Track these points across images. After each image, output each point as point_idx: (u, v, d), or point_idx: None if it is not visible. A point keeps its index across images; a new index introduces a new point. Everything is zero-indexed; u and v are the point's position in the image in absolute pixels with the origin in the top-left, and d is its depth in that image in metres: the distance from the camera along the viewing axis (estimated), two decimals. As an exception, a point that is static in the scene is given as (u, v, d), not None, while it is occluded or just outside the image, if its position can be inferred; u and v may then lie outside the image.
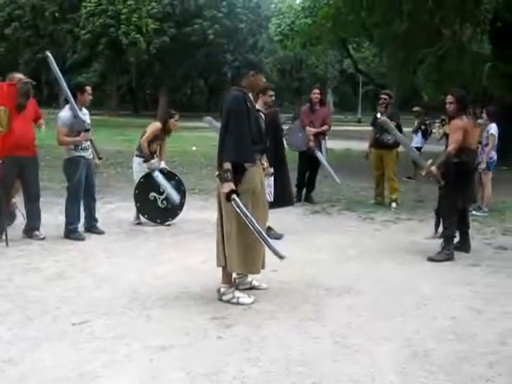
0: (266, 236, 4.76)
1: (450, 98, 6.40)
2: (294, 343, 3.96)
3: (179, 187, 7.95)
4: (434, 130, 13.08)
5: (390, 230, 7.95)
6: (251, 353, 3.80)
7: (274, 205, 6.60)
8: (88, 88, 7.03)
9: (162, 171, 7.74)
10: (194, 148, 11.97)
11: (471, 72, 16.98)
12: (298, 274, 5.64)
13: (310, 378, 3.47)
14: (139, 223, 7.79)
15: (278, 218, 7.06)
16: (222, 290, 4.85)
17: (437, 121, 12.97)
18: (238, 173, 4.66)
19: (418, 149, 14.32)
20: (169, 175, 7.90)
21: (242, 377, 3.46)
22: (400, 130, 9.77)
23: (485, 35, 18.70)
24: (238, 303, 4.74)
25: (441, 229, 6.85)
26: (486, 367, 3.67)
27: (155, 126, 7.78)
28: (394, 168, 9.91)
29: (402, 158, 10.26)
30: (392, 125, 8.02)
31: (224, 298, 4.82)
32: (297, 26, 31.11)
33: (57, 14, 46.93)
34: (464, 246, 6.73)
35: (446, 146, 6.65)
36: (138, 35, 42.04)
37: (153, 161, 7.68)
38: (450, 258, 6.31)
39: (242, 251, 4.70)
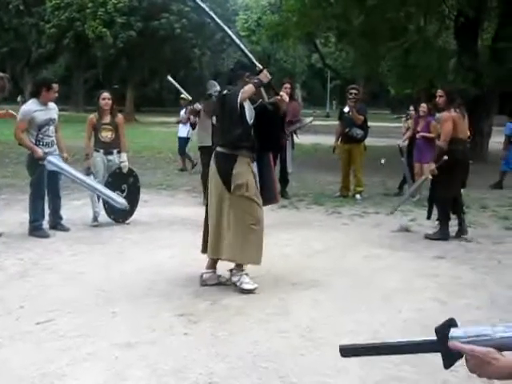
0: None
1: (440, 92, 6.99)
2: (261, 338, 3.97)
3: (135, 184, 7.74)
4: (401, 125, 13.22)
5: (357, 223, 8.01)
6: (218, 349, 3.80)
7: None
8: (55, 86, 6.84)
9: (119, 169, 7.47)
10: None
11: (437, 66, 17.19)
12: (266, 268, 5.63)
13: (276, 372, 3.48)
14: (96, 226, 7.35)
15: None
16: (234, 271, 5.05)
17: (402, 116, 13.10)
18: (231, 162, 4.91)
19: (186, 139, 13.38)
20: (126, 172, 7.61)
21: (208, 373, 3.45)
22: (366, 124, 9.87)
23: (450, 30, 18.95)
24: (240, 287, 4.94)
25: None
26: (450, 358, 3.72)
27: (88, 118, 7.63)
28: (362, 161, 10.05)
29: (369, 152, 10.35)
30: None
31: (233, 278, 5.05)
32: (263, 21, 31.07)
33: (21, 7, 46.01)
34: (462, 228, 7.13)
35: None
36: (104, 29, 41.50)
37: (87, 161, 7.38)
38: (444, 238, 6.89)
39: (240, 242, 4.88)
